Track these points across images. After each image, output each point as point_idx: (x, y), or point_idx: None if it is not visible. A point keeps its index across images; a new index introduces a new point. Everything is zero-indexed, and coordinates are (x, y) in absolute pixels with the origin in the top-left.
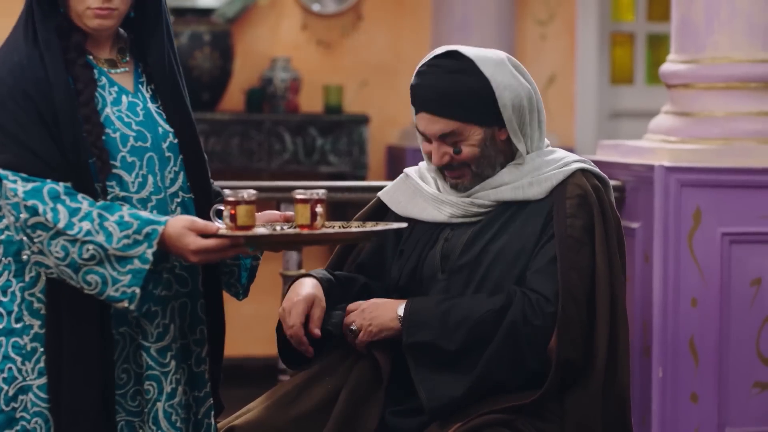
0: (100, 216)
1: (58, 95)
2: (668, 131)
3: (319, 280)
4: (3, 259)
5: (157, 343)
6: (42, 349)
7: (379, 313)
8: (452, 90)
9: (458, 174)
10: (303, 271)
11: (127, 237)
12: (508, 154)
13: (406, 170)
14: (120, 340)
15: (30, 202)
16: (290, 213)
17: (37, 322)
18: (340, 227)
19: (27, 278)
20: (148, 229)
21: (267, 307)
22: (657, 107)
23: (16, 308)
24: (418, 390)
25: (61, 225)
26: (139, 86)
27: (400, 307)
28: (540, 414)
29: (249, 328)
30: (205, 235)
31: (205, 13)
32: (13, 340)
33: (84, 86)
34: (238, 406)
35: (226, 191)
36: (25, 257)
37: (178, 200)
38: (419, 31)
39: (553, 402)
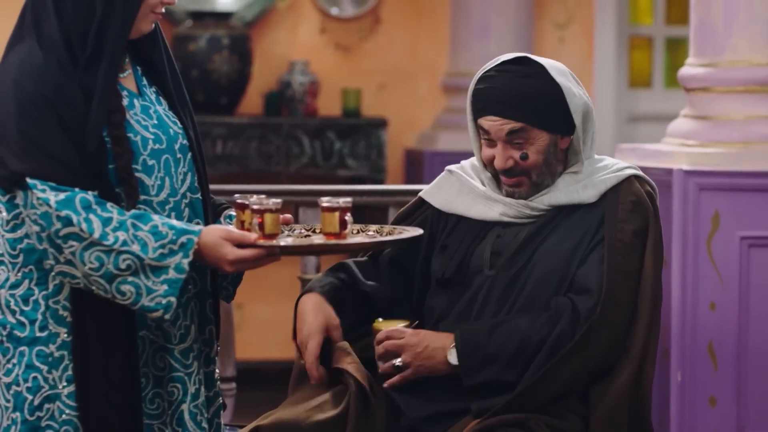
0: (134, 225)
1: (78, 101)
2: (687, 135)
3: (325, 294)
4: (24, 268)
5: (180, 344)
6: (70, 357)
7: (432, 354)
8: (524, 93)
9: (517, 182)
10: (321, 275)
11: (163, 247)
12: (565, 164)
13: (449, 167)
14: (140, 344)
15: (63, 213)
16: (288, 216)
17: (63, 330)
18: (358, 231)
19: (51, 286)
20: (183, 238)
21: (284, 310)
22: (675, 111)
23: (39, 317)
24: (472, 400)
25: (96, 235)
26: (144, 89)
27: (451, 353)
28: (562, 414)
29: (267, 332)
30: (241, 244)
31: (224, 16)
32: (37, 348)
33: (115, 108)
34: (256, 408)
35: (252, 199)
36: (48, 266)
37: (186, 201)
38: (437, 34)
39: (577, 402)
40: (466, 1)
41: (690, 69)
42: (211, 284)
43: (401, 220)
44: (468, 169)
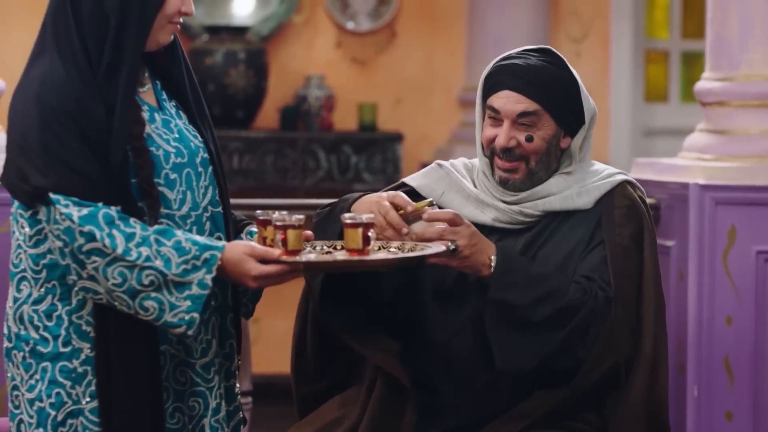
0: (157, 241)
1: (100, 114)
2: (703, 149)
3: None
4: (47, 283)
5: (202, 359)
6: (93, 372)
7: (482, 249)
8: (544, 75)
9: (514, 167)
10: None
11: (186, 262)
12: (558, 164)
13: (439, 161)
14: (161, 358)
15: (86, 228)
16: (309, 232)
17: (86, 345)
18: (380, 248)
19: (74, 302)
20: (206, 254)
21: None
22: (691, 125)
23: (63, 332)
24: (493, 347)
25: (119, 251)
26: (164, 103)
27: (494, 257)
28: (577, 429)
29: (282, 346)
30: (264, 260)
31: (240, 31)
32: (60, 364)
33: (135, 120)
34: (272, 423)
35: (275, 215)
36: (70, 282)
37: (207, 215)
38: (453, 48)
39: (591, 412)
40: (482, 15)
41: (706, 83)
42: (232, 299)
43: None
44: (460, 167)
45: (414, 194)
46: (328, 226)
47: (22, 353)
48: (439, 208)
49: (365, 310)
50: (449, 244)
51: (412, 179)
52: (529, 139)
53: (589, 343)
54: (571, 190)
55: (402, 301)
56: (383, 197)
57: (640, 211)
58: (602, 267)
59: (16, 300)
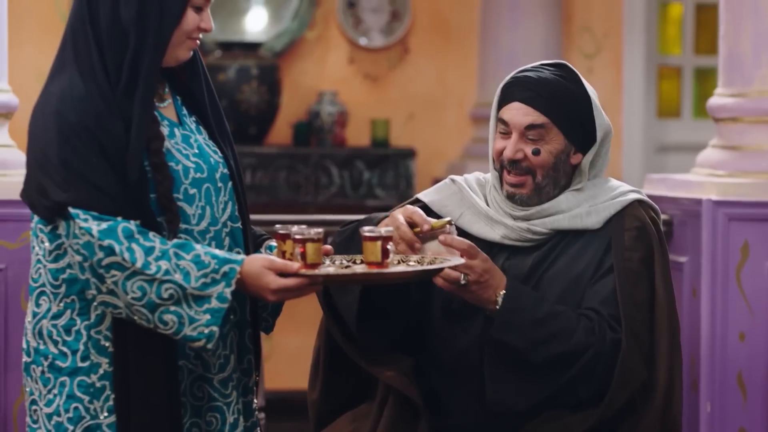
0: (176, 255)
1: (118, 130)
2: (716, 165)
3: None
4: (66, 298)
5: (219, 374)
6: (111, 387)
7: (491, 284)
8: (556, 89)
9: (521, 181)
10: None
11: (205, 276)
12: (568, 181)
13: (452, 176)
14: (179, 373)
15: (106, 242)
16: (329, 246)
17: (105, 360)
18: (399, 261)
19: (93, 316)
20: (225, 268)
21: (313, 341)
22: (704, 141)
23: (81, 347)
24: (486, 381)
25: (138, 265)
26: (183, 118)
27: (502, 293)
28: None
29: (295, 362)
30: (283, 274)
31: (253, 47)
32: (78, 379)
33: (153, 135)
34: None
35: (294, 228)
36: (90, 296)
37: (227, 230)
38: (466, 64)
39: None
40: (495, 31)
41: (719, 99)
42: (250, 314)
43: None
44: (473, 183)
45: (427, 210)
46: (351, 246)
47: (40, 368)
48: (457, 228)
49: (382, 325)
50: (462, 279)
51: (425, 195)
52: (536, 152)
53: (594, 383)
54: (581, 209)
55: (413, 318)
56: (399, 212)
57: (650, 234)
58: (612, 299)
59: (35, 315)
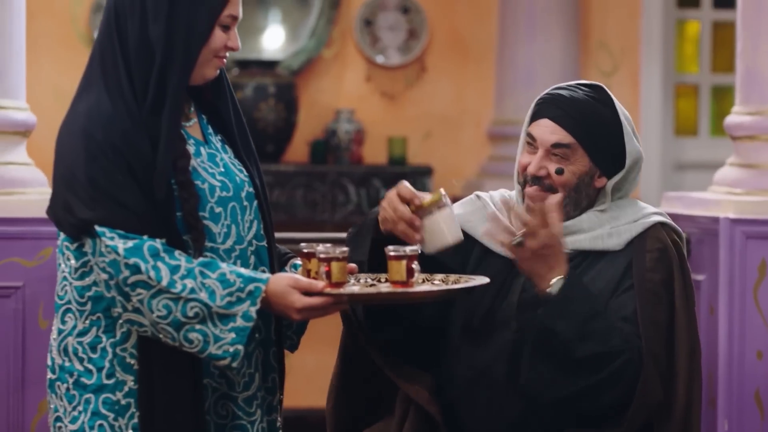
0: (201, 273)
1: (145, 148)
2: (733, 183)
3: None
4: (91, 315)
5: (244, 392)
6: (136, 405)
7: (551, 262)
8: (587, 110)
9: (541, 197)
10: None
11: (231, 295)
12: (591, 202)
13: (477, 192)
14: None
15: (132, 260)
16: (353, 265)
17: (130, 378)
18: (423, 280)
19: (118, 334)
20: (251, 287)
21: (330, 358)
22: (722, 159)
23: (107, 364)
24: (523, 365)
25: (164, 283)
26: (209, 137)
27: (555, 282)
28: None
29: (312, 380)
30: (308, 293)
31: (270, 65)
32: (104, 396)
33: (180, 154)
34: None
35: (319, 247)
36: (115, 314)
37: (252, 249)
38: (483, 82)
39: None
40: (512, 48)
41: (736, 117)
42: (275, 332)
43: None
44: (497, 200)
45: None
46: (358, 242)
47: (65, 385)
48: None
49: (402, 339)
50: (519, 234)
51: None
52: (559, 171)
53: (618, 390)
54: (602, 230)
55: (433, 333)
56: (392, 192)
57: (671, 257)
58: (632, 318)
59: (60, 332)
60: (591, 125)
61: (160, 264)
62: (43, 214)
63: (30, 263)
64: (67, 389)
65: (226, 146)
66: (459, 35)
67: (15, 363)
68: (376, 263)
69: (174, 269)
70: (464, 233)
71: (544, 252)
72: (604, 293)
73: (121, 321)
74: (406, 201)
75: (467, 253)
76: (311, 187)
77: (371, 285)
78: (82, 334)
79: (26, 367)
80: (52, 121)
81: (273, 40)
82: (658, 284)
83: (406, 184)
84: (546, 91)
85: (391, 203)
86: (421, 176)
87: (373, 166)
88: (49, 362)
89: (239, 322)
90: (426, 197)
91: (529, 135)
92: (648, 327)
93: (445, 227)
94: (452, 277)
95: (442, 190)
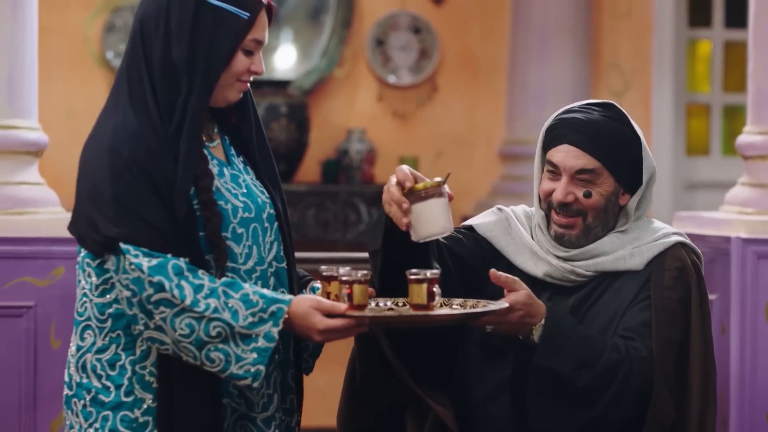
0: (225, 293)
1: (170, 167)
2: (745, 203)
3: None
4: (111, 332)
5: (263, 413)
6: (154, 423)
7: (529, 321)
8: (606, 131)
9: (571, 222)
10: None
11: (253, 315)
12: (616, 221)
13: (499, 206)
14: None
15: (156, 278)
16: (371, 289)
17: (149, 396)
18: (442, 304)
19: (138, 352)
20: (273, 307)
21: (340, 377)
22: (733, 179)
23: (126, 381)
24: (531, 412)
25: (187, 302)
26: (232, 158)
27: (537, 329)
28: None
29: (324, 400)
30: (330, 314)
31: (282, 85)
32: (122, 414)
33: (202, 173)
34: None
35: (342, 270)
36: (136, 332)
37: (272, 270)
38: (494, 102)
39: None
40: (523, 68)
41: (748, 137)
42: (294, 354)
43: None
44: (520, 215)
45: (474, 231)
46: (373, 230)
47: (82, 401)
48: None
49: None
50: (488, 328)
51: (472, 220)
52: (587, 195)
53: (622, 407)
54: (624, 251)
55: (447, 352)
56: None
57: (689, 276)
58: (643, 330)
59: (79, 348)
60: (612, 146)
61: (183, 283)
62: (55, 234)
63: (42, 283)
64: (84, 406)
65: (248, 168)
66: (470, 55)
67: (27, 382)
68: (391, 253)
69: (197, 288)
70: (489, 245)
71: (525, 319)
72: (620, 311)
73: (141, 339)
74: (400, 183)
75: (490, 264)
76: (323, 206)
77: (390, 309)
78: (101, 351)
79: (38, 386)
80: (64, 141)
81: (285, 59)
82: (675, 302)
83: (403, 167)
84: (558, 115)
85: (388, 184)
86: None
87: (384, 186)
88: (66, 378)
89: (261, 342)
90: (420, 183)
91: (550, 162)
92: (661, 344)
93: (434, 216)
94: (470, 301)
95: (438, 178)
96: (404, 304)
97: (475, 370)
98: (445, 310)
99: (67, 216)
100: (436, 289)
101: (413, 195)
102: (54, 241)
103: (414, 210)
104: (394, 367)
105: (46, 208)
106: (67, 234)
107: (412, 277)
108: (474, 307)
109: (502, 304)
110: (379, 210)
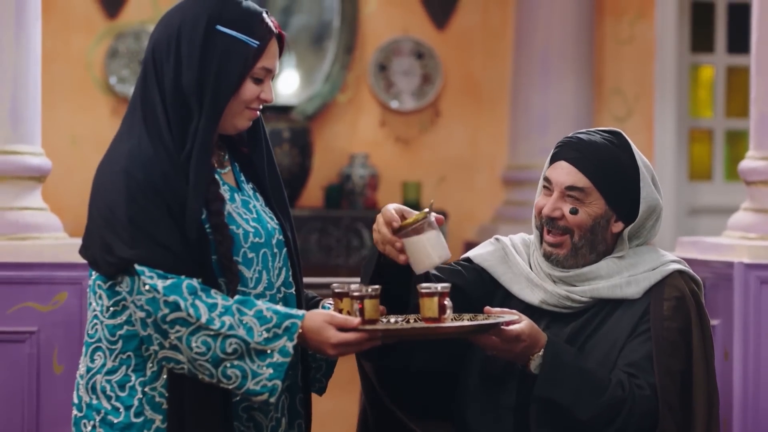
0: (239, 311)
1: (183, 191)
2: (747, 228)
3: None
4: (121, 354)
5: None
6: None
7: (524, 352)
8: (604, 155)
9: (559, 241)
10: None
11: (268, 330)
12: (609, 248)
13: (497, 236)
14: None
15: (171, 298)
16: (383, 307)
17: (158, 417)
18: (452, 319)
19: (148, 373)
20: (287, 322)
21: (344, 402)
22: (736, 204)
23: (136, 402)
24: None
25: (203, 320)
26: (242, 184)
27: (535, 359)
28: None
29: (328, 425)
30: (343, 328)
31: (285, 110)
32: None
33: (213, 197)
34: None
35: (352, 286)
36: (149, 353)
37: (280, 296)
38: (497, 127)
39: None
40: (526, 94)
41: (750, 162)
42: (302, 379)
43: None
44: (518, 243)
45: (472, 263)
46: (366, 268)
47: (92, 422)
48: (501, 287)
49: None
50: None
51: (470, 252)
52: (574, 211)
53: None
54: (621, 278)
55: (445, 381)
56: (379, 215)
57: (688, 305)
58: (645, 363)
59: (89, 370)
60: (607, 169)
61: (198, 302)
62: (58, 259)
63: (44, 308)
64: (94, 426)
65: (258, 195)
66: (473, 80)
67: (29, 408)
68: (390, 286)
69: (212, 306)
70: (488, 275)
71: (512, 354)
72: (620, 340)
73: (156, 359)
74: (388, 224)
75: (490, 294)
76: (326, 231)
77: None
78: (111, 372)
79: (41, 411)
80: (67, 166)
81: (288, 85)
82: (675, 333)
83: (389, 207)
84: (565, 137)
85: (377, 225)
86: None
87: (373, 226)
88: (76, 400)
89: (276, 357)
90: (411, 216)
91: (546, 178)
92: (664, 377)
93: (427, 248)
94: (481, 316)
95: (426, 210)
96: (416, 320)
97: (477, 400)
98: (456, 322)
99: (70, 241)
100: (447, 302)
101: (403, 231)
102: (57, 266)
103: (408, 246)
104: (388, 407)
105: (49, 234)
106: (70, 259)
107: (423, 291)
108: (486, 320)
109: (513, 315)
110: (371, 250)
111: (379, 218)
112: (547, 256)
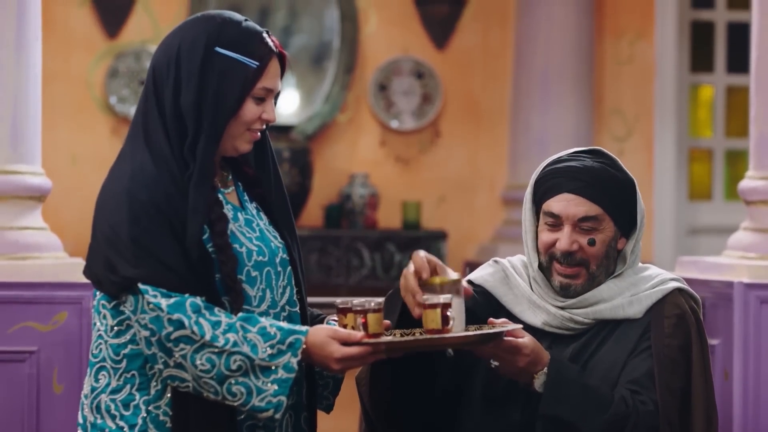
0: (242, 327)
1: (185, 210)
2: (747, 248)
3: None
4: (126, 373)
5: None
6: None
7: (526, 369)
8: (604, 177)
9: (575, 272)
10: None
11: (272, 347)
12: (613, 267)
13: (495, 258)
14: None
15: (175, 316)
16: (387, 321)
17: None
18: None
19: (152, 392)
20: (291, 338)
21: (346, 422)
22: (736, 223)
23: (140, 421)
24: None
25: (207, 337)
26: (245, 203)
27: (539, 377)
28: None
29: None
30: (347, 343)
31: (285, 130)
32: None
33: (217, 218)
34: None
35: (355, 301)
36: (153, 371)
37: (285, 314)
38: (497, 147)
39: None
40: (526, 114)
41: (750, 182)
42: (307, 397)
43: None
44: (518, 265)
45: (472, 284)
46: (390, 304)
47: None
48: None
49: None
50: (493, 363)
51: (471, 275)
52: (592, 243)
53: None
54: (623, 298)
55: (450, 399)
56: (411, 262)
57: (689, 323)
58: (647, 380)
59: (93, 389)
60: (611, 191)
61: (202, 320)
62: (58, 279)
63: (45, 328)
64: None
65: (261, 214)
66: (473, 100)
67: (29, 427)
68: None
69: (216, 324)
70: (491, 296)
71: (515, 370)
72: (622, 359)
73: (160, 378)
74: (417, 272)
75: (495, 315)
76: (326, 251)
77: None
78: (115, 391)
79: (40, 431)
80: (68, 186)
81: (287, 104)
82: (676, 350)
83: (420, 253)
84: (547, 166)
85: (406, 270)
86: (435, 241)
87: (387, 231)
88: (80, 420)
89: (281, 373)
90: (443, 273)
91: (549, 214)
92: (664, 393)
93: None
94: (485, 327)
95: (455, 275)
96: (420, 333)
97: (481, 420)
98: (460, 333)
99: (71, 261)
100: (449, 313)
101: (429, 288)
102: (57, 286)
103: (425, 300)
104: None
105: (49, 253)
106: (70, 279)
107: (426, 302)
108: (491, 329)
109: (516, 325)
110: (394, 290)
111: (410, 264)
112: (565, 288)
